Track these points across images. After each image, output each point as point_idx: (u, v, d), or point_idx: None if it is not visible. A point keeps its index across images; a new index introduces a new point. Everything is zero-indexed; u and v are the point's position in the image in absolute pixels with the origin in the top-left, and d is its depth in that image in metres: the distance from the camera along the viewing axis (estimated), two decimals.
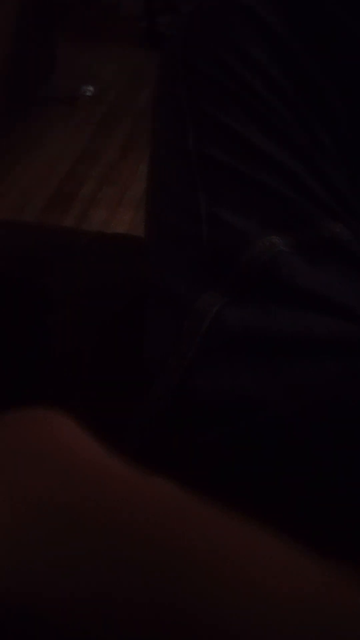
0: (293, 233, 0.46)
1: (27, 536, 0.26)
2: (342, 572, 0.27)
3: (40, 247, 0.63)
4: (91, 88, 2.52)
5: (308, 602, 0.25)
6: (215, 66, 0.51)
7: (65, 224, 1.96)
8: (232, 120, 0.50)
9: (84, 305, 0.57)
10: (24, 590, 0.25)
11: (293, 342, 0.43)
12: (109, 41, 2.74)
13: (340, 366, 0.42)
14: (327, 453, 0.40)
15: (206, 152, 0.50)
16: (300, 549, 0.28)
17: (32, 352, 0.55)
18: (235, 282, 0.45)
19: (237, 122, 0.49)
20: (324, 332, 0.43)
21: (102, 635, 0.25)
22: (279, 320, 0.44)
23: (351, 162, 0.49)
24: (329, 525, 0.38)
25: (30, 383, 0.53)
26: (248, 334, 0.44)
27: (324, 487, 0.39)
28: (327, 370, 0.42)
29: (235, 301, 0.45)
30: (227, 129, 0.50)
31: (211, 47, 0.52)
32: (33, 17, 2.28)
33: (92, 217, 2.04)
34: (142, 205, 0.55)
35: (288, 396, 0.42)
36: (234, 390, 0.43)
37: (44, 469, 0.28)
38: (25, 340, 0.56)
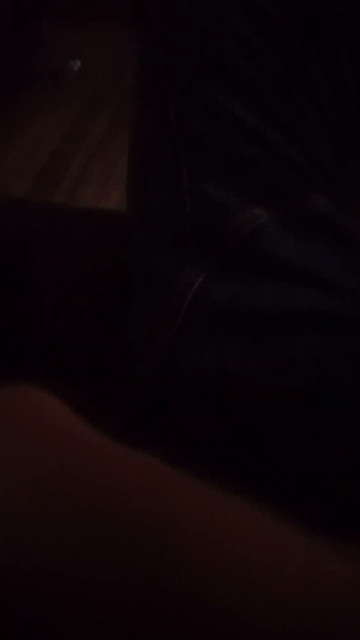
0: (276, 205, 0.46)
1: (11, 511, 0.26)
2: (332, 547, 0.27)
3: (23, 228, 0.62)
4: (78, 63, 2.51)
5: (294, 578, 0.25)
6: (196, 37, 0.50)
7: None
8: (213, 92, 0.49)
9: (67, 287, 0.57)
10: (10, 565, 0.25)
11: (277, 316, 0.43)
12: (94, 18, 2.71)
13: (324, 340, 0.42)
14: (311, 428, 0.40)
15: (188, 124, 0.49)
16: (287, 521, 0.27)
17: (17, 335, 0.55)
18: (218, 256, 0.45)
19: (218, 93, 0.49)
20: (307, 305, 0.43)
21: (84, 613, 0.24)
22: (263, 294, 0.44)
23: (334, 133, 0.48)
24: (315, 499, 0.38)
25: (16, 365, 0.52)
26: (232, 308, 0.44)
27: (308, 463, 0.39)
28: (311, 344, 0.42)
29: (218, 275, 0.45)
30: (209, 100, 0.49)
31: (192, 18, 0.51)
32: None
33: (81, 195, 2.02)
34: None
35: (272, 372, 0.41)
36: (218, 366, 0.42)
37: (26, 443, 0.28)
38: (10, 323, 0.55)
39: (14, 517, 0.26)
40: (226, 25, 0.50)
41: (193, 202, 0.47)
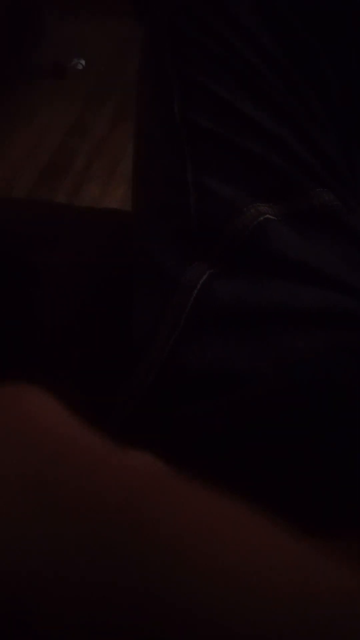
0: (282, 202, 0.45)
1: None
2: (330, 553, 0.27)
3: (27, 222, 0.62)
4: (83, 61, 2.50)
5: (289, 586, 0.25)
6: (202, 31, 0.50)
7: (56, 200, 1.94)
8: (219, 86, 0.48)
9: (71, 280, 0.56)
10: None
11: (282, 314, 0.42)
12: (97, 11, 2.70)
13: (330, 339, 0.42)
14: (315, 426, 0.39)
15: (193, 119, 0.49)
16: (284, 525, 0.27)
17: (19, 328, 0.55)
18: (223, 253, 0.45)
19: (224, 88, 0.48)
20: (313, 304, 0.43)
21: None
22: (268, 292, 0.43)
23: (341, 128, 0.47)
24: (316, 498, 0.37)
25: (18, 359, 0.52)
26: (237, 306, 0.43)
27: (311, 461, 0.38)
28: (317, 342, 0.41)
29: (224, 272, 0.44)
30: (214, 95, 0.48)
31: (198, 11, 0.50)
32: None
33: (84, 193, 2.01)
34: None
35: (276, 371, 0.41)
36: (222, 363, 0.42)
37: (11, 444, 0.27)
38: (12, 315, 0.55)
39: None
40: (233, 18, 0.49)
41: (198, 198, 0.47)
